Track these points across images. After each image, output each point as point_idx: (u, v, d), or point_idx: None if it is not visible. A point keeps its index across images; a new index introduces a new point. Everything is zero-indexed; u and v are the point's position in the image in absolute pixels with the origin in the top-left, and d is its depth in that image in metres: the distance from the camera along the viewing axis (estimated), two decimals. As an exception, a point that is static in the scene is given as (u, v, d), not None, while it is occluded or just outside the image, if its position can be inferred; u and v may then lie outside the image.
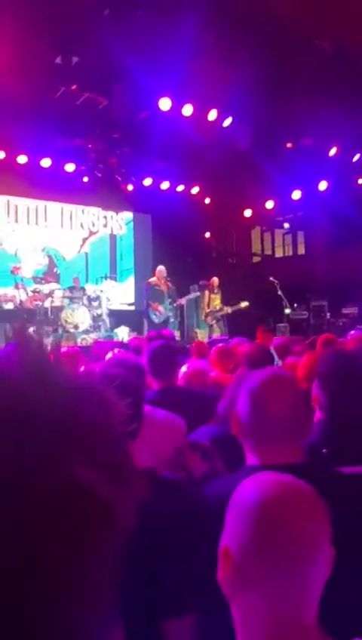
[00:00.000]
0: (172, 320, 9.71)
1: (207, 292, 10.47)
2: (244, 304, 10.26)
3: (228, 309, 10.29)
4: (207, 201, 12.04)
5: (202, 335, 10.33)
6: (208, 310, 10.34)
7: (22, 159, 9.78)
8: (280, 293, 10.33)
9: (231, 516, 0.86)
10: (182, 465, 1.62)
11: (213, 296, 10.41)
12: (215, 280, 10.55)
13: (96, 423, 0.39)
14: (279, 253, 15.21)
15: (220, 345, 4.08)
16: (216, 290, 10.49)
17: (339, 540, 0.83)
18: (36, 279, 10.66)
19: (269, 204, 11.99)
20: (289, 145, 9.84)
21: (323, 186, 10.85)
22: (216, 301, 10.40)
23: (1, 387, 0.39)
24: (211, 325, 10.34)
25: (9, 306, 9.92)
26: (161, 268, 9.57)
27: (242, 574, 0.80)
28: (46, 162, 9.95)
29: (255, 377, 1.35)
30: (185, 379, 2.85)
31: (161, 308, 9.23)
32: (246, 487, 0.88)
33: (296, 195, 11.33)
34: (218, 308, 10.35)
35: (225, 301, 10.52)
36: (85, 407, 0.40)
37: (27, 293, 9.94)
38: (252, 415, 1.29)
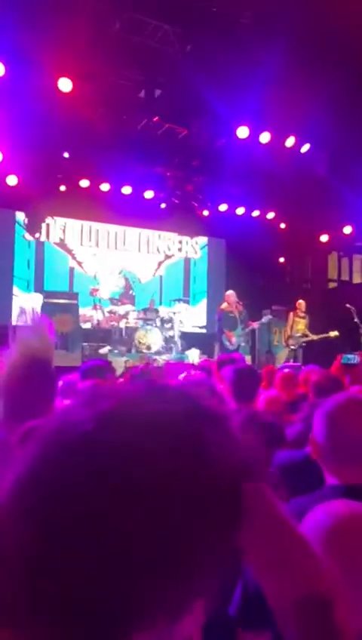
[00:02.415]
0: (243, 344, 9.66)
1: (291, 314, 10.01)
2: (334, 334, 9.61)
3: (315, 337, 9.77)
4: (283, 226, 12.00)
5: (278, 359, 10.12)
6: (290, 333, 9.89)
7: (104, 187, 10.32)
8: (356, 320, 9.95)
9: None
10: None
11: (297, 319, 9.93)
12: (301, 303, 10.07)
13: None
14: (357, 279, 14.74)
15: (286, 371, 4.04)
16: (301, 314, 10.02)
17: None
18: (113, 301, 11.07)
19: (347, 230, 11.73)
20: (368, 169, 9.63)
21: None
22: (300, 325, 9.91)
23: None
24: (293, 349, 10.00)
25: (87, 325, 10.36)
26: (230, 292, 9.57)
27: None
28: (127, 190, 10.42)
29: (331, 401, 1.38)
30: (264, 403, 2.85)
31: (234, 339, 9.16)
32: (318, 515, 0.89)
33: (376, 220, 11.02)
34: (301, 333, 9.85)
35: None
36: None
37: (104, 314, 10.35)
38: (329, 437, 1.31)
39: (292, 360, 9.66)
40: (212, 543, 0.42)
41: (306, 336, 9.87)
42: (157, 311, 10.92)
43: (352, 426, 1.31)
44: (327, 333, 9.65)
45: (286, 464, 1.93)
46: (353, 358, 7.19)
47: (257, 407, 2.73)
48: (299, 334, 9.88)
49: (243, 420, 2.30)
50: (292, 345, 9.90)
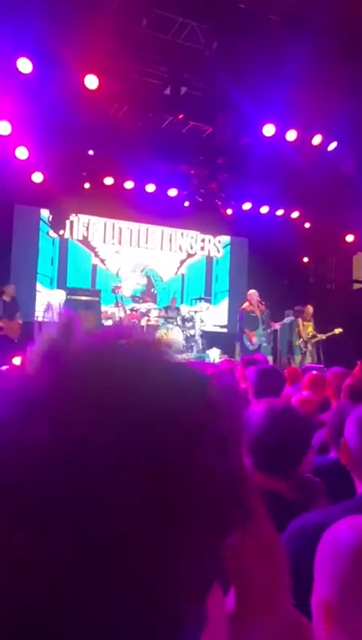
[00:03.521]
0: (264, 345, 9.59)
1: (300, 320, 10.35)
2: (338, 330, 10.05)
3: (323, 336, 10.14)
4: (307, 225, 11.85)
5: (296, 361, 10.10)
6: (304, 338, 10.27)
7: (128, 185, 10.33)
8: (381, 322, 9.82)
9: (328, 561, 0.82)
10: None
11: (305, 323, 10.32)
12: (309, 308, 10.46)
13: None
14: (381, 281, 14.48)
15: (314, 372, 3.97)
16: (309, 318, 10.39)
17: None
18: (134, 298, 11.09)
19: (373, 230, 11.52)
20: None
21: None
22: (309, 328, 10.31)
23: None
24: (304, 352, 10.14)
25: (109, 322, 10.39)
26: (252, 292, 9.52)
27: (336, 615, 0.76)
28: (150, 188, 10.41)
29: None
30: (298, 405, 2.79)
31: (254, 339, 9.16)
32: (342, 531, 0.84)
33: None
34: (310, 335, 10.24)
35: (320, 327, 10.29)
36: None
37: (125, 312, 10.37)
38: None
39: (314, 362, 9.62)
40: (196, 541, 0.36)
41: (315, 337, 10.24)
42: (178, 309, 10.90)
43: None
44: (332, 331, 10.09)
45: (316, 468, 1.88)
46: None
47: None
48: (309, 336, 10.25)
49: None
50: (309, 348, 10.18)
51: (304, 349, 10.17)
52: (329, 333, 10.07)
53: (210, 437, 0.37)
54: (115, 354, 0.39)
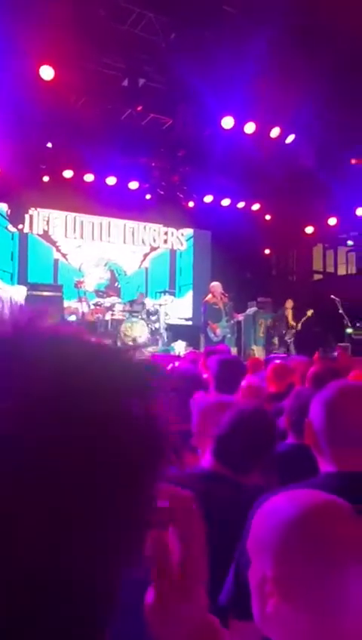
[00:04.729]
0: (228, 336, 9.68)
1: (289, 311, 10.52)
2: (310, 312, 10.32)
3: (299, 325, 10.38)
4: (268, 217, 11.99)
5: (259, 352, 10.24)
6: (293, 329, 10.53)
7: (88, 178, 10.19)
8: (341, 311, 10.06)
9: (268, 535, 0.82)
10: None
11: (289, 313, 10.59)
12: (290, 301, 10.70)
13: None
14: (342, 271, 14.84)
15: (277, 362, 4.04)
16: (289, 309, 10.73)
17: None
18: (98, 293, 10.98)
19: (332, 221, 11.77)
20: (353, 161, 9.67)
21: (388, 202, 10.54)
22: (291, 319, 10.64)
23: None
24: (289, 343, 10.39)
25: (72, 318, 10.26)
26: (215, 284, 9.58)
27: (283, 590, 0.78)
28: (111, 180, 10.31)
29: (329, 388, 1.37)
30: (243, 394, 2.84)
31: (218, 330, 9.24)
32: (281, 504, 0.85)
33: (360, 211, 11.07)
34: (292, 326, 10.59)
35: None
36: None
37: (89, 307, 10.26)
38: (328, 422, 1.30)
39: (281, 351, 9.78)
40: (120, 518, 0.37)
41: (293, 327, 10.44)
42: (143, 303, 10.87)
43: (352, 412, 1.31)
44: (306, 315, 10.34)
45: (281, 452, 1.92)
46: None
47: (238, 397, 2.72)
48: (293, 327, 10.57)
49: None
50: (290, 338, 10.42)
51: (289, 340, 10.43)
52: (303, 319, 10.33)
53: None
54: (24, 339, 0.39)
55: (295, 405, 1.96)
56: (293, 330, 10.43)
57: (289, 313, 10.53)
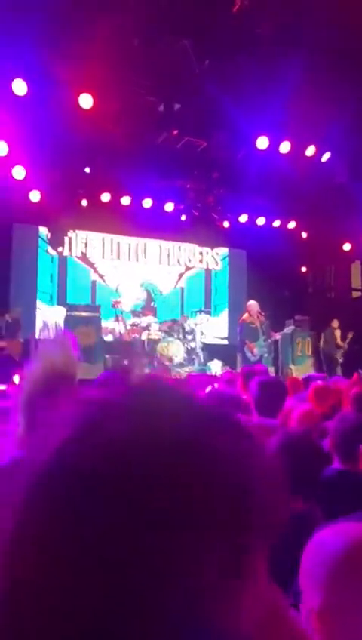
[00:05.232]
0: (266, 355, 9.57)
1: (337, 330, 10.51)
2: (351, 335, 10.40)
3: (345, 345, 10.36)
4: (304, 235, 11.90)
5: (297, 371, 10.06)
6: (341, 348, 10.51)
7: (125, 200, 10.41)
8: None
9: (316, 569, 0.80)
10: None
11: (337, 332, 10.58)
12: (336, 321, 10.68)
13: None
14: (380, 288, 14.50)
15: (319, 382, 3.95)
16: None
17: None
18: (134, 313, 11.11)
19: (370, 238, 11.57)
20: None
21: None
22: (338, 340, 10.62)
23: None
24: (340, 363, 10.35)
25: (109, 338, 10.39)
26: (252, 302, 9.52)
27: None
28: (147, 203, 10.49)
29: None
30: (298, 419, 2.76)
31: (255, 350, 9.14)
32: (327, 537, 0.83)
33: None
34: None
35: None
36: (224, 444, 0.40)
37: (126, 327, 10.38)
38: None
39: (314, 371, 9.60)
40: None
41: (341, 346, 10.51)
42: (180, 323, 10.90)
43: None
44: (348, 337, 10.41)
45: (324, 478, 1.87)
46: None
47: (289, 422, 2.65)
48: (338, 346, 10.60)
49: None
50: (340, 358, 10.47)
51: (340, 359, 10.39)
52: (348, 340, 10.33)
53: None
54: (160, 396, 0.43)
55: (340, 429, 1.91)
56: (341, 350, 10.29)
57: (338, 333, 10.44)
